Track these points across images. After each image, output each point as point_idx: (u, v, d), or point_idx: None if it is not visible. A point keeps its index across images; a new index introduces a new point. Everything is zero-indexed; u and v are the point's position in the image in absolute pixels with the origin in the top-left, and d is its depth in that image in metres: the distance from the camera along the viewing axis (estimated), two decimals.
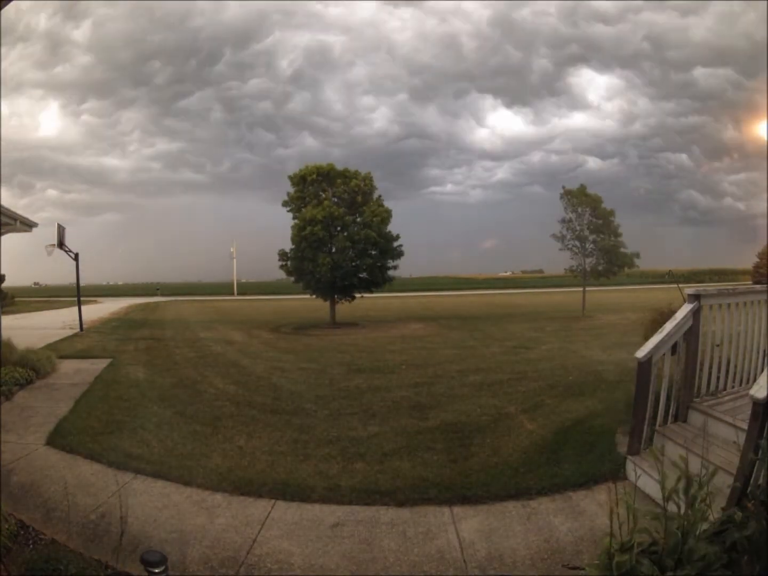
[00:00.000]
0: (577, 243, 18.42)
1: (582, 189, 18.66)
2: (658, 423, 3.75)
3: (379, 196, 17.78)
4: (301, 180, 17.63)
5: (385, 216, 17.23)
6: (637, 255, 18.52)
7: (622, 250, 18.28)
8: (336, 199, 17.32)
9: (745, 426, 2.73)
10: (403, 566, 2.74)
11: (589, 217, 18.33)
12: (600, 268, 18.37)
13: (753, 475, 2.28)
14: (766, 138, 4.59)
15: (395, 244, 17.42)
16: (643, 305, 10.14)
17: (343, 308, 17.86)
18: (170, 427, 5.00)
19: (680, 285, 7.51)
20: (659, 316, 6.16)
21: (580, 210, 18.42)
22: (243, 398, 6.27)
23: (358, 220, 16.95)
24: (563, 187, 18.91)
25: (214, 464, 4.06)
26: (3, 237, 7.83)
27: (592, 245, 18.36)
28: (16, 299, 25.51)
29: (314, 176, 17.29)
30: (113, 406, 5.72)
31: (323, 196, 17.37)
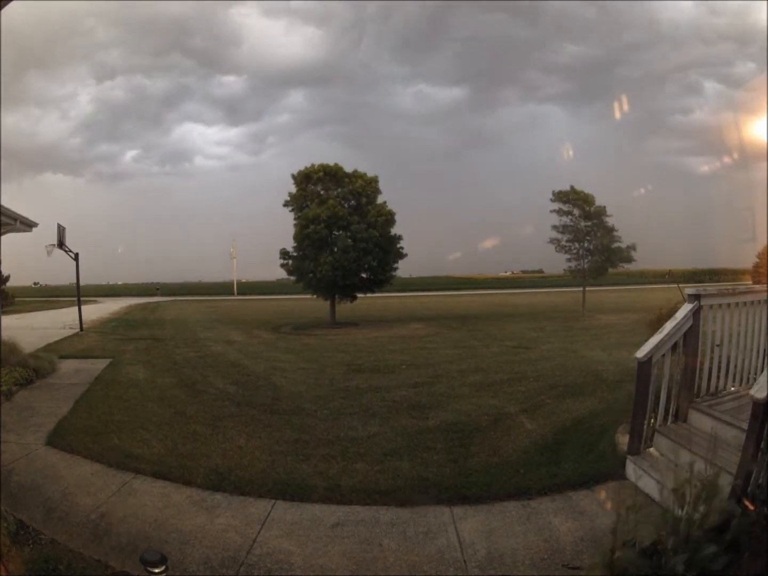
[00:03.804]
0: (576, 245, 18.43)
1: (573, 190, 18.64)
2: (658, 423, 3.75)
3: (384, 202, 17.77)
4: (304, 178, 17.55)
5: (389, 218, 17.24)
6: (634, 247, 18.43)
7: (617, 245, 18.25)
8: (340, 200, 17.31)
9: (745, 426, 2.73)
10: (403, 566, 2.74)
11: (584, 224, 18.33)
12: (597, 266, 18.37)
13: (753, 475, 2.28)
14: (766, 138, 4.59)
15: (398, 245, 17.46)
16: (644, 305, 10.15)
17: (343, 308, 17.85)
18: (170, 427, 5.00)
19: (680, 285, 7.52)
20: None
21: (576, 212, 18.42)
22: (243, 398, 6.27)
23: (362, 221, 16.93)
24: (553, 192, 18.87)
25: (214, 464, 4.06)
26: (3, 237, 7.83)
27: (588, 245, 18.37)
28: (16, 299, 25.49)
29: (320, 174, 17.24)
30: (113, 406, 5.72)
31: (325, 195, 17.33)
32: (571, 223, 18.49)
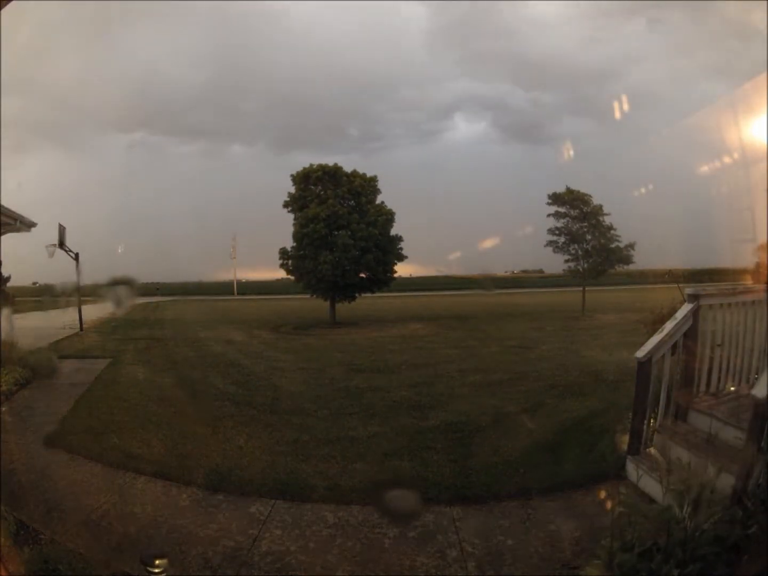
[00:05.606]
0: (575, 245, 18.40)
1: (569, 191, 18.57)
2: (658, 423, 3.75)
3: (382, 202, 17.76)
4: (303, 178, 17.51)
5: (389, 217, 17.23)
6: (632, 246, 18.33)
7: (615, 245, 18.18)
8: (339, 199, 17.28)
9: (745, 426, 2.72)
10: (403, 566, 2.74)
11: (579, 224, 18.29)
12: (596, 266, 18.34)
13: (753, 475, 2.28)
14: (766, 138, 4.59)
15: (398, 246, 17.46)
16: (644, 305, 10.14)
17: (343, 308, 17.83)
18: (170, 427, 5.00)
19: (680, 285, 7.50)
20: None
21: (573, 212, 18.37)
22: (243, 398, 6.27)
23: (361, 220, 16.89)
24: (548, 195, 18.80)
25: (214, 464, 4.06)
26: (3, 237, 7.83)
27: (587, 246, 18.35)
28: (16, 299, 25.45)
29: (319, 174, 17.21)
30: (113, 406, 5.72)
31: (324, 195, 17.31)
32: (568, 225, 18.45)
